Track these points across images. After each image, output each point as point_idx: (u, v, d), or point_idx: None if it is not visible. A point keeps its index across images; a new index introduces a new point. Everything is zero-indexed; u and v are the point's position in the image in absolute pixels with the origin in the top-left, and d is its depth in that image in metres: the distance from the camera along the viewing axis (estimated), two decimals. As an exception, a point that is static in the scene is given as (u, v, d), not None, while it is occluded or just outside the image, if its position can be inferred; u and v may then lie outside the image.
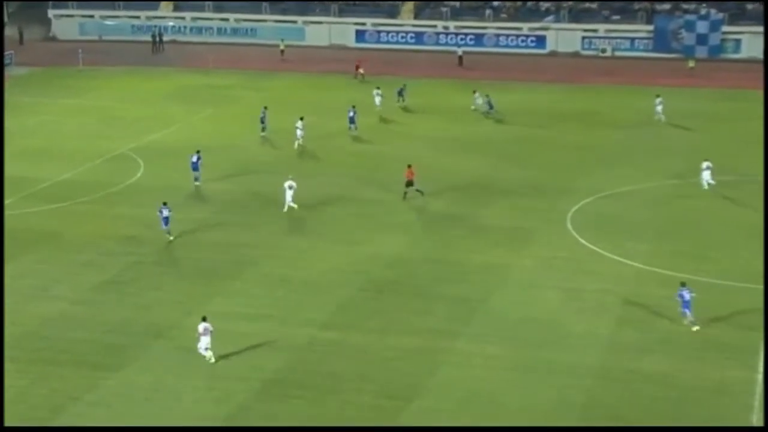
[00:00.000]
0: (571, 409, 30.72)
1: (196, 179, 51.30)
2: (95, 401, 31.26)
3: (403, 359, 33.76)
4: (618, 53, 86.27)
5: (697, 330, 35.03)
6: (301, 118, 57.94)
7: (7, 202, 48.49)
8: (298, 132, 57.37)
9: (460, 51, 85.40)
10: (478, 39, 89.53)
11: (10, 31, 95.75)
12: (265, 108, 60.07)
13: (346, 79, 77.86)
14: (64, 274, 40.70)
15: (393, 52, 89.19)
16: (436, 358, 33.87)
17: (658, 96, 64.29)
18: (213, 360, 33.61)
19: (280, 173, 52.35)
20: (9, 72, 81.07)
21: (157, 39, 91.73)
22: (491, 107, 65.02)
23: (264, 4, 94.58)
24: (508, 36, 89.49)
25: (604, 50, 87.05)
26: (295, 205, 46.86)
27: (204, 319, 33.99)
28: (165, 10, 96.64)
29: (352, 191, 50.55)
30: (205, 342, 33.69)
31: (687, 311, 35.10)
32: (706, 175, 49.86)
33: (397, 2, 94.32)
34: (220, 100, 71.22)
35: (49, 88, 75.45)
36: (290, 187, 46.96)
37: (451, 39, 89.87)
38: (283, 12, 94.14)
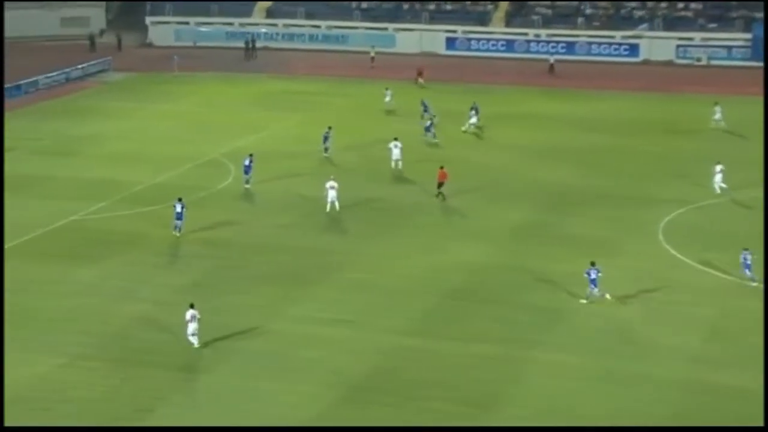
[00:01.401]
0: (656, 423, 30.30)
1: (246, 182, 51.99)
2: (181, 402, 31.83)
3: (484, 367, 33.71)
4: (714, 62, 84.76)
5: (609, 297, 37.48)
6: (396, 138, 55.62)
7: (99, 205, 49.73)
8: (395, 152, 54.74)
9: (551, 59, 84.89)
10: (570, 47, 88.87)
11: (108, 38, 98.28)
12: (330, 128, 58.53)
13: (436, 86, 78.03)
14: (151, 276, 41.53)
15: (483, 59, 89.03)
16: (517, 366, 33.74)
17: (716, 104, 63.55)
18: (197, 346, 34.53)
19: (363, 180, 52.86)
20: (106, 77, 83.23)
21: (250, 45, 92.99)
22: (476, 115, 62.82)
23: (355, 11, 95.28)
24: (600, 44, 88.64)
25: (699, 59, 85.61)
26: (337, 206, 47.42)
27: (192, 306, 34.96)
28: (258, 17, 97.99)
29: (433, 197, 50.56)
30: (192, 328, 34.61)
31: (594, 288, 37.55)
32: (719, 179, 49.98)
33: (489, 10, 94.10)
34: (309, 106, 71.91)
35: (144, 93, 77.11)
36: (332, 188, 47.56)
37: (542, 47, 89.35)
38: (374, 19, 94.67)
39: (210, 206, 50.23)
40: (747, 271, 39.31)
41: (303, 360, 34.18)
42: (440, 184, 49.56)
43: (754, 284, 39.00)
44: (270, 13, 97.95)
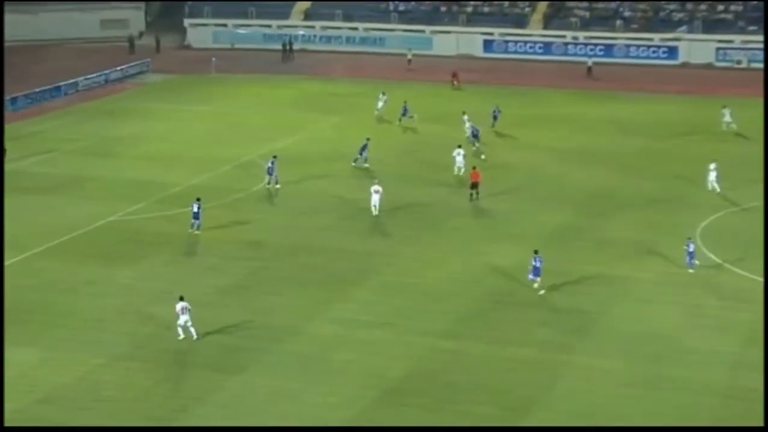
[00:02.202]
0: (694, 428, 30.06)
1: (269, 183, 52.24)
2: (217, 402, 31.92)
3: (521, 370, 33.59)
4: (754, 65, 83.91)
5: (543, 293, 38.59)
6: (459, 146, 54.76)
7: (137, 206, 50.07)
8: (458, 159, 53.76)
9: (589, 61, 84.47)
10: (608, 49, 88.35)
11: (147, 40, 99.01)
12: (368, 139, 56.68)
13: (472, 88, 77.97)
14: (188, 277, 41.74)
15: (520, 62, 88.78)
16: (554, 370, 33.59)
17: (725, 107, 63.59)
18: (196, 337, 35.05)
19: (400, 182, 52.81)
20: (145, 79, 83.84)
21: (288, 47, 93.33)
22: (475, 135, 59.84)
23: (392, 13, 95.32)
24: (638, 46, 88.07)
25: (739, 61, 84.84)
26: (376, 211, 47.40)
27: (181, 299, 35.43)
28: (296, 19, 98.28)
29: (473, 201, 50.47)
30: (183, 320, 35.13)
31: (536, 277, 39.03)
32: (712, 177, 50.65)
33: (526, 12, 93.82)
34: (346, 108, 72.04)
35: (182, 95, 77.57)
36: (376, 192, 47.52)
37: (580, 49, 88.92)
38: (411, 21, 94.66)
39: (247, 208, 50.43)
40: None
41: (339, 362, 34.23)
42: (474, 185, 49.51)
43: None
44: (307, 15, 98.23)
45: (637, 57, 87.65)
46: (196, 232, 46.09)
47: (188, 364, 34.34)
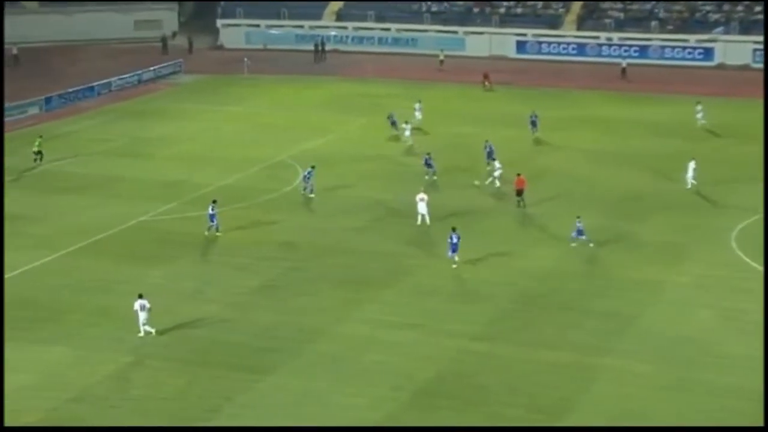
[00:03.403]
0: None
1: (304, 189, 52.04)
2: (248, 403, 32.02)
3: (553, 374, 33.45)
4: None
5: (455, 267, 41.15)
6: (494, 159, 53.37)
7: (168, 206, 50.34)
8: (498, 171, 52.33)
9: (623, 63, 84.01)
10: (643, 51, 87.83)
11: (180, 40, 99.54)
12: (429, 155, 54.51)
13: (505, 90, 77.83)
14: (219, 277, 41.91)
15: (554, 63, 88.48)
16: (587, 373, 33.42)
17: (698, 103, 64.27)
18: (153, 332, 35.79)
19: (435, 186, 52.69)
20: (178, 79, 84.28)
21: (320, 48, 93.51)
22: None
23: (425, 14, 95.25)
24: (674, 48, 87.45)
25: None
26: (428, 220, 46.70)
27: (140, 296, 35.73)
28: (328, 19, 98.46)
29: (505, 203, 50.37)
30: (143, 317, 35.45)
31: (453, 254, 41.53)
32: (691, 175, 51.74)
33: (560, 13, 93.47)
34: (377, 109, 71.86)
35: (214, 95, 77.88)
36: (421, 200, 46.89)
37: (615, 50, 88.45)
38: (444, 22, 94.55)
39: (278, 209, 50.56)
40: (580, 236, 43.16)
41: (369, 363, 34.23)
42: (519, 192, 49.04)
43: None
44: (340, 16, 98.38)
45: (673, 58, 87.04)
46: (217, 233, 46.17)
47: (218, 364, 34.45)
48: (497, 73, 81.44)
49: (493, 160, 53.81)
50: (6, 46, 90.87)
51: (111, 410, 31.66)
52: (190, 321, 37.67)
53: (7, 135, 64.21)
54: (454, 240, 41.96)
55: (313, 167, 52.44)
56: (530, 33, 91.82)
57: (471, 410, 31.33)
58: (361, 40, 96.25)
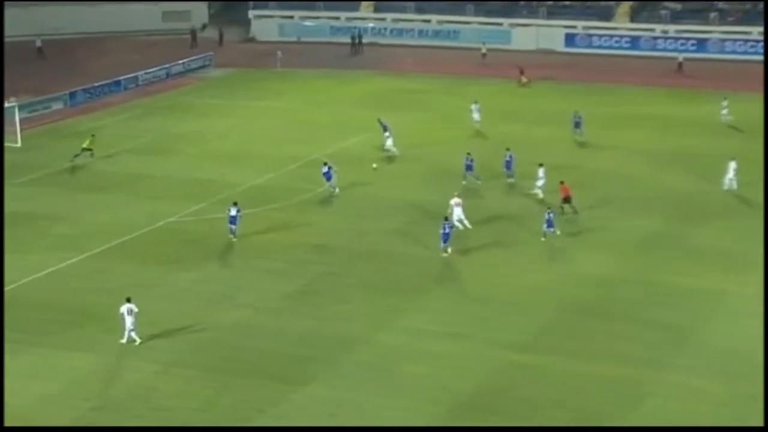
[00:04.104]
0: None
1: (332, 188, 52.45)
2: (280, 415, 32.06)
3: (603, 387, 33.25)
4: None
5: (446, 256, 43.10)
6: (541, 164, 51.60)
7: (198, 206, 50.59)
8: (540, 182, 51.24)
9: (680, 57, 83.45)
10: (701, 44, 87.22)
11: (210, 33, 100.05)
12: (469, 155, 53.97)
13: (548, 85, 77.60)
14: (251, 281, 42.06)
15: (605, 57, 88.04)
16: (640, 388, 33.19)
17: (725, 99, 64.55)
18: (138, 341, 35.83)
19: (478, 188, 52.55)
20: (207, 73, 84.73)
21: (357, 41, 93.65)
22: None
23: (468, 5, 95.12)
24: (735, 41, 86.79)
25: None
26: (467, 224, 46.45)
27: (128, 300, 35.81)
28: (365, 11, 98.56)
29: (555, 205, 50.11)
30: (129, 322, 35.63)
31: (444, 243, 43.45)
32: (731, 176, 51.38)
33: (612, 4, 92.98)
34: (417, 105, 72.02)
35: (246, 90, 78.22)
36: (457, 205, 46.56)
37: (671, 44, 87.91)
38: (488, 14, 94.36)
39: (312, 210, 50.68)
40: (549, 228, 45.03)
41: (409, 375, 34.19)
42: (566, 199, 48.77)
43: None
44: (378, 7, 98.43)
45: (733, 52, 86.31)
46: (233, 238, 46.30)
47: (250, 373, 34.55)
48: (544, 69, 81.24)
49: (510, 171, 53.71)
50: (29, 38, 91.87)
51: (136, 420, 31.81)
52: (220, 327, 37.81)
53: (30, 131, 64.84)
54: (446, 230, 43.54)
55: (325, 163, 52.77)
56: (580, 25, 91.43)
57: (515, 426, 31.17)
58: (400, 32, 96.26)
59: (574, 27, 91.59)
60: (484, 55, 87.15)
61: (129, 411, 32.34)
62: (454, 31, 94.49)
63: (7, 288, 40.89)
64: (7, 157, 59.72)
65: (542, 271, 42.56)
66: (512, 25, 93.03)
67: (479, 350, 35.82)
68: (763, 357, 33.88)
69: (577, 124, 62.33)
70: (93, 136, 60.20)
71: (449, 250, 43.74)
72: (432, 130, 65.25)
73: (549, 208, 46.33)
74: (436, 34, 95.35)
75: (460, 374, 34.25)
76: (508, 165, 53.81)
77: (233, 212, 46.19)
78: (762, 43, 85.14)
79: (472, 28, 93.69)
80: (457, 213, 46.42)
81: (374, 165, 55.11)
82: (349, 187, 53.47)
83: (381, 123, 60.83)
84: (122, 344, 36.14)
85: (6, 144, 61.88)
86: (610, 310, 38.88)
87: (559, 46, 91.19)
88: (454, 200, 46.81)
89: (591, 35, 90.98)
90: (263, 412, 32.24)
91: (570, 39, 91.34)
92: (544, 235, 45.50)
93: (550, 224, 45.45)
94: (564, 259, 43.87)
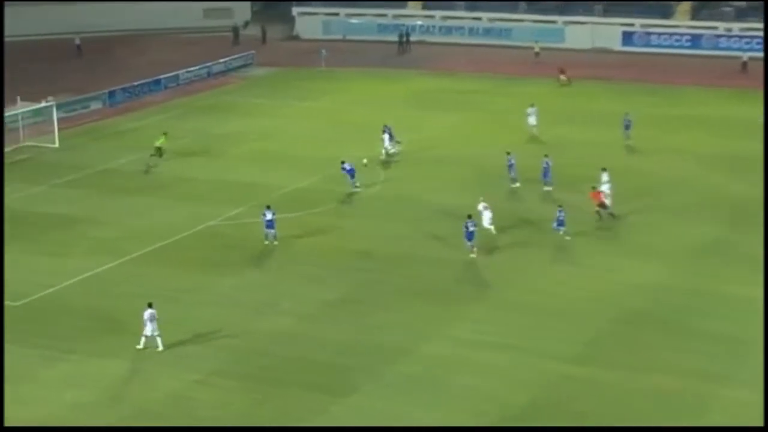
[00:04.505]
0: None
1: (356, 186, 53.21)
2: (321, 427, 32.11)
3: (659, 401, 33.02)
4: None
5: (473, 257, 43.86)
6: (604, 169, 50.71)
7: (238, 210, 50.86)
8: (605, 186, 49.83)
9: (744, 56, 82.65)
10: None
11: (253, 30, 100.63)
12: (509, 153, 54.48)
13: (602, 85, 77.25)
14: (293, 288, 42.21)
15: (664, 56, 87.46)
16: (694, 402, 32.95)
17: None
18: (161, 348, 35.78)
19: (523, 191, 52.36)
20: (249, 72, 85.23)
21: (404, 39, 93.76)
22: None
23: (521, 2, 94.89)
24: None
25: None
26: (493, 230, 46.49)
27: (150, 306, 35.97)
28: (413, 8, 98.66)
29: (603, 221, 49.84)
30: (150, 328, 35.75)
31: (469, 242, 44.30)
32: None
33: (671, 2, 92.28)
34: (467, 106, 71.96)
35: (288, 90, 78.58)
36: (485, 208, 46.69)
37: (734, 42, 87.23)
38: (542, 11, 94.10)
39: (356, 214, 50.80)
40: (560, 227, 45.89)
41: (455, 386, 34.15)
42: (601, 205, 48.57)
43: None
44: (426, 4, 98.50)
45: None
46: (275, 242, 46.55)
47: (291, 383, 34.65)
48: (599, 68, 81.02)
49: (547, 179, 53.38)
50: (68, 36, 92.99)
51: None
52: (260, 335, 37.98)
53: (69, 131, 65.62)
54: (470, 228, 44.04)
55: (342, 162, 53.30)
56: (638, 23, 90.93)
57: (567, 441, 31.13)
58: (449, 30, 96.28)
59: (632, 25, 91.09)
60: (537, 54, 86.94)
61: (165, 421, 32.47)
62: (506, 29, 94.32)
63: (44, 293, 41.45)
64: (45, 158, 60.63)
65: (591, 279, 42.35)
66: (566, 23, 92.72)
67: (529, 361, 35.71)
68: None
69: (627, 126, 61.94)
70: (165, 134, 60.43)
71: (475, 250, 44.27)
72: (481, 132, 65.18)
73: (560, 206, 46.72)
74: (487, 32, 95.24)
75: (509, 386, 34.16)
76: (545, 172, 53.40)
77: (269, 216, 46.47)
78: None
79: (525, 26, 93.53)
80: (487, 217, 46.55)
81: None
82: (393, 190, 53.56)
83: (386, 129, 60.20)
84: (138, 349, 36.43)
85: (43, 144, 62.71)
86: (665, 320, 38.60)
87: (616, 44, 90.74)
88: (482, 204, 47.00)
89: (649, 33, 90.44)
90: (304, 423, 32.31)
91: (627, 37, 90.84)
92: (566, 234, 46.10)
93: (560, 223, 46.06)
94: (613, 266, 43.61)
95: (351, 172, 53.34)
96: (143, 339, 36.45)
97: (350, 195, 53.19)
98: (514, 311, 39.72)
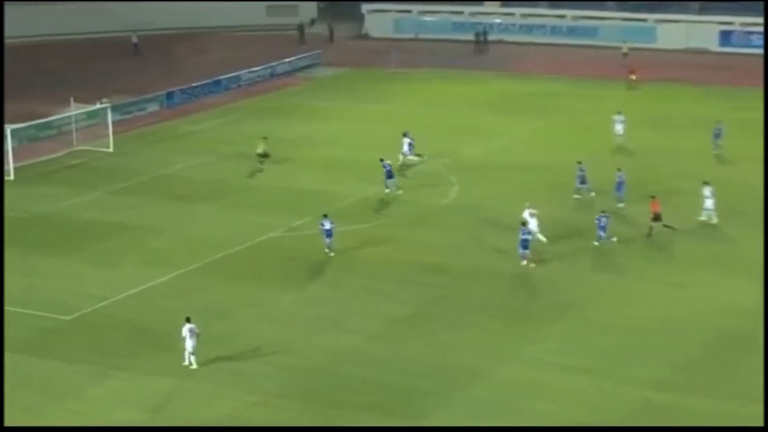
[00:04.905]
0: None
1: (387, 186, 54.18)
2: (389, 454, 32.36)
3: (754, 433, 32.71)
4: None
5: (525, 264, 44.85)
6: (706, 182, 50.56)
7: (302, 220, 51.05)
8: (708, 202, 50.00)
9: None
10: None
11: (319, 28, 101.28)
12: (580, 162, 54.54)
13: (695, 88, 76.58)
14: (358, 304, 42.37)
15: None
16: (796, 436, 32.51)
17: None
18: (195, 366, 36.27)
19: (607, 199, 52.06)
20: (315, 73, 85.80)
21: (481, 38, 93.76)
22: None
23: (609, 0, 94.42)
24: None
25: None
26: (543, 238, 46.69)
27: (188, 320, 36.19)
28: (491, 5, 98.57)
29: (692, 225, 49.45)
30: (190, 346, 36.03)
31: (602, 233, 46.41)
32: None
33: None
34: (547, 110, 71.72)
35: (357, 92, 78.92)
36: (531, 215, 46.75)
37: None
38: (632, 9, 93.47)
39: (428, 225, 50.87)
40: (602, 233, 46.86)
41: (533, 412, 34.03)
42: (656, 217, 48.23)
43: (614, 239, 46.91)
44: (505, 2, 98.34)
45: None
46: (331, 254, 46.94)
47: (356, 406, 34.74)
48: (693, 70, 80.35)
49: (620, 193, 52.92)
50: (125, 34, 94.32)
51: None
52: (323, 354, 38.12)
53: (125, 135, 66.52)
54: (525, 236, 44.80)
55: (381, 159, 54.30)
56: (737, 21, 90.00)
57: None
58: (530, 29, 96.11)
59: (731, 24, 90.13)
60: (625, 54, 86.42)
61: (221, 443, 32.90)
62: (592, 28, 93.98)
63: (96, 306, 42.08)
64: (99, 164, 61.57)
65: (680, 298, 41.97)
66: (658, 22, 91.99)
67: (612, 386, 35.49)
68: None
69: (718, 135, 61.33)
70: (265, 138, 61.00)
71: (530, 257, 44.90)
72: (562, 138, 64.90)
73: (603, 211, 47.41)
74: (572, 31, 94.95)
75: (591, 413, 33.95)
76: (618, 186, 52.59)
77: (328, 225, 46.86)
78: None
79: (613, 25, 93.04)
80: (533, 224, 46.53)
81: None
82: (465, 200, 53.58)
83: (407, 135, 60.19)
84: (193, 369, 36.72)
85: (98, 149, 63.66)
86: (759, 343, 38.08)
87: (713, 45, 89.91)
88: (528, 211, 47.08)
89: (750, 33, 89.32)
90: (368, 449, 32.49)
91: (725, 37, 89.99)
92: (606, 240, 47.05)
93: (603, 230, 46.90)
94: (706, 284, 43.17)
95: (389, 173, 54.03)
96: (187, 355, 36.83)
97: (421, 205, 53.25)
98: (595, 331, 39.50)
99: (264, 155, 60.06)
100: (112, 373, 36.76)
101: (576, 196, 53.67)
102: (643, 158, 58.84)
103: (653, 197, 48.81)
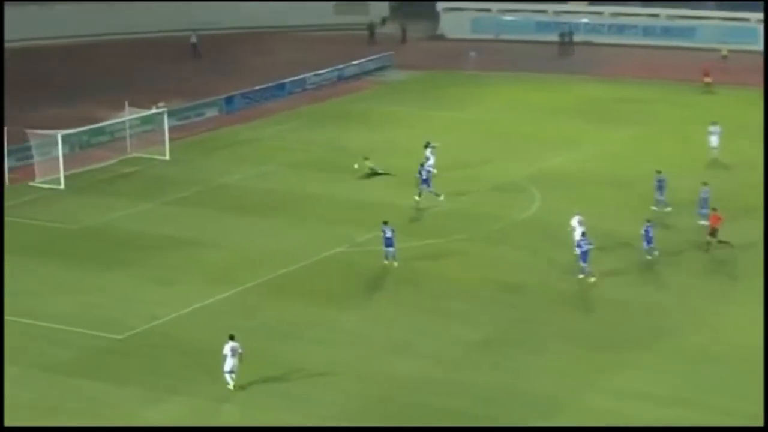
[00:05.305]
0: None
1: (431, 193, 54.69)
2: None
3: None
4: None
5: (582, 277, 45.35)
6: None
7: (370, 234, 50.80)
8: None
9: None
10: None
11: (391, 28, 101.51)
12: (659, 173, 54.18)
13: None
14: (429, 326, 42.27)
15: None
16: None
17: None
18: (231, 387, 36.61)
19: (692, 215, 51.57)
20: (387, 76, 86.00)
21: (566, 39, 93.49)
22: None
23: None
24: None
25: None
26: (585, 246, 46.43)
27: (231, 338, 36.69)
28: (578, 4, 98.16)
29: (709, 252, 48.91)
30: (230, 365, 36.16)
31: (584, 264, 45.65)
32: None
33: None
34: (638, 118, 71.29)
35: (431, 97, 78.96)
36: (580, 223, 47.02)
37: None
38: (732, 8, 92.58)
39: (507, 241, 50.70)
40: (649, 245, 47.34)
41: (617, 446, 33.83)
42: (713, 232, 48.08)
43: (656, 253, 47.44)
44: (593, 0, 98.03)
45: None
46: (395, 263, 47.08)
47: (425, 436, 34.77)
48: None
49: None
50: (183, 34, 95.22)
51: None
52: (390, 379, 38.07)
53: (182, 142, 67.06)
54: (584, 247, 45.50)
55: (423, 165, 55.14)
56: None
57: None
58: (620, 29, 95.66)
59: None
60: (724, 57, 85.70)
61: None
62: (689, 29, 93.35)
63: (150, 325, 42.37)
64: (154, 172, 62.09)
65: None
66: (761, 21, 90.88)
67: (708, 419, 35.04)
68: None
69: None
70: (366, 158, 60.91)
71: (590, 271, 45.46)
72: (653, 149, 64.38)
73: (648, 221, 47.88)
74: (666, 31, 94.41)
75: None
76: (703, 203, 51.85)
77: (388, 233, 47.05)
78: None
79: (711, 25, 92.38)
80: (578, 233, 46.67)
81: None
82: (547, 215, 53.31)
83: (430, 147, 59.76)
84: (232, 390, 36.86)
85: (153, 156, 64.22)
86: None
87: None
88: (576, 218, 47.39)
89: None
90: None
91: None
92: (649, 253, 47.67)
93: (649, 241, 47.43)
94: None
95: (426, 181, 54.89)
96: (227, 375, 36.94)
97: (500, 220, 53.10)
98: (689, 360, 39.08)
99: (374, 173, 60.10)
100: (166, 397, 36.98)
101: (653, 208, 53.31)
102: (737, 173, 58.14)
103: (713, 209, 48.43)
